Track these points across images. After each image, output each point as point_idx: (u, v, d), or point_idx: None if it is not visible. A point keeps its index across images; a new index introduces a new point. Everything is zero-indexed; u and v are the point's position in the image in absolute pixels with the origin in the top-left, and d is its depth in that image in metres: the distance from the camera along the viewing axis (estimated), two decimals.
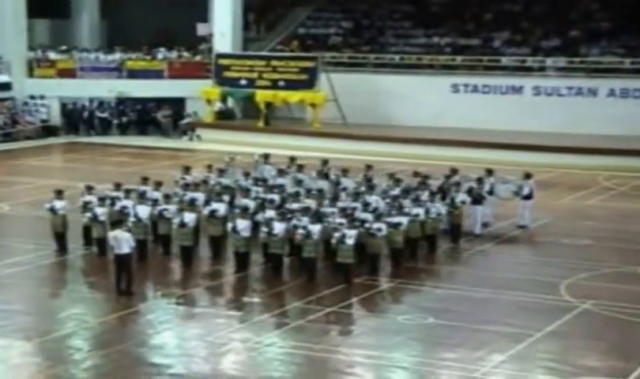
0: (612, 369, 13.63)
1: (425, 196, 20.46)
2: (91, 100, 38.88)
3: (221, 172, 23.01)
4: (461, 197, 21.03)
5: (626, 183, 28.63)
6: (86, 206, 19.74)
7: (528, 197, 21.97)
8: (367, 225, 18.15)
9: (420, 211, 19.54)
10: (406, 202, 19.90)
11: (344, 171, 22.83)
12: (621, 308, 16.30)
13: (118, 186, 20.71)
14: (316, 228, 17.99)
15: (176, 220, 19.00)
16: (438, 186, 21.76)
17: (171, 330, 15.36)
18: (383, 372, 13.66)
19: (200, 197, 20.48)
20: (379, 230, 18.10)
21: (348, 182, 22.10)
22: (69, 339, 14.89)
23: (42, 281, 18.51)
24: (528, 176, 22.21)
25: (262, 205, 19.90)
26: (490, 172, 22.32)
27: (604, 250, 20.61)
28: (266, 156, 24.54)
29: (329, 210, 19.21)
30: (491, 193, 21.82)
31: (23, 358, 14.02)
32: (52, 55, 39.98)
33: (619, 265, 19.19)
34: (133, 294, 16.84)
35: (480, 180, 21.90)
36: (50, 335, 14.88)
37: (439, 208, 20.32)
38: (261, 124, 36.76)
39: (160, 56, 40.16)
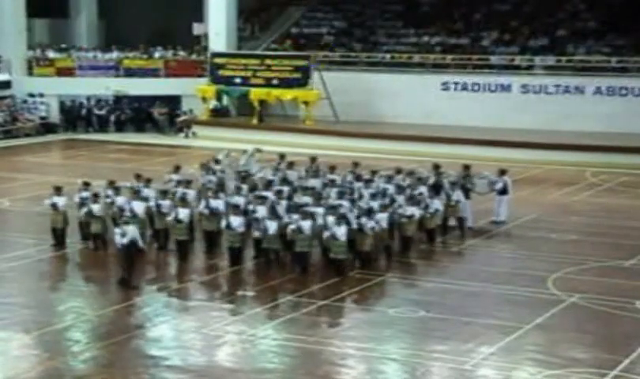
0: (599, 361, 13.79)
1: (422, 190, 20.59)
2: (88, 98, 39.09)
3: (208, 170, 23.25)
4: (457, 195, 21.28)
5: (613, 179, 28.79)
6: (83, 203, 20.02)
7: (503, 192, 22.31)
8: (357, 222, 18.37)
9: (415, 210, 19.74)
10: (400, 199, 20.14)
11: (332, 168, 23.10)
12: (607, 301, 16.52)
13: (111, 183, 20.90)
14: (307, 224, 18.27)
15: (171, 216, 19.31)
16: (433, 182, 21.98)
17: (167, 323, 15.51)
18: (375, 364, 13.80)
19: (191, 193, 20.71)
20: (372, 229, 18.37)
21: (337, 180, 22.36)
22: (67, 331, 15.04)
23: (41, 275, 18.72)
24: (503, 172, 22.49)
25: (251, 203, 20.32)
26: (467, 168, 22.73)
27: (590, 245, 20.83)
28: (259, 150, 24.92)
29: (320, 210, 19.42)
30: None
31: (22, 350, 14.16)
32: (51, 54, 40.15)
33: (605, 259, 19.40)
34: (133, 287, 17.09)
35: (467, 176, 22.31)
36: (49, 328, 15.05)
37: (438, 204, 20.54)
38: (255, 121, 37.05)
39: (156, 55, 40.43)
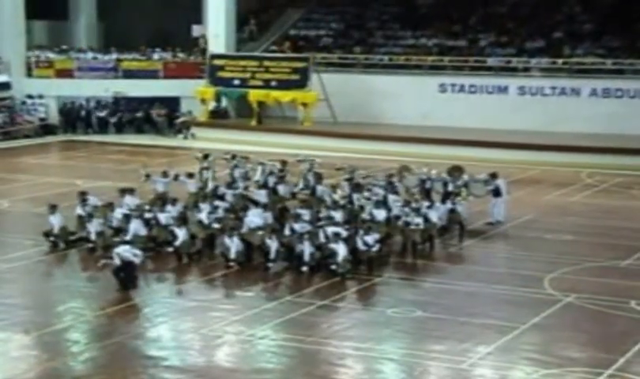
0: (594, 360, 13.89)
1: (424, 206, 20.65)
2: (88, 99, 39.18)
3: (190, 176, 23.46)
4: (460, 207, 21.46)
5: (608, 180, 28.89)
6: (82, 220, 20.18)
7: (497, 194, 22.49)
8: (359, 237, 18.51)
9: (420, 220, 19.83)
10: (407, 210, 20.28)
11: (319, 177, 23.32)
12: (603, 301, 16.63)
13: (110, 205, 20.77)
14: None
15: (180, 239, 19.20)
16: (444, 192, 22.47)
17: (166, 323, 15.60)
18: (372, 364, 13.88)
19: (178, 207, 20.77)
20: (373, 245, 18.46)
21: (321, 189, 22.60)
22: (66, 332, 15.12)
23: (40, 276, 18.83)
24: (494, 175, 22.78)
25: (246, 207, 20.61)
26: (459, 169, 23.05)
27: (586, 245, 20.97)
28: (233, 156, 25.26)
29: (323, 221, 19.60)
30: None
31: (22, 351, 14.24)
32: (50, 55, 40.28)
33: (601, 260, 19.51)
34: (136, 287, 17.17)
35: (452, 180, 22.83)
36: (49, 329, 15.12)
37: (440, 211, 20.68)
38: (253, 123, 37.19)
39: (155, 56, 40.57)
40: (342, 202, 21.36)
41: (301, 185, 23.31)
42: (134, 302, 16.69)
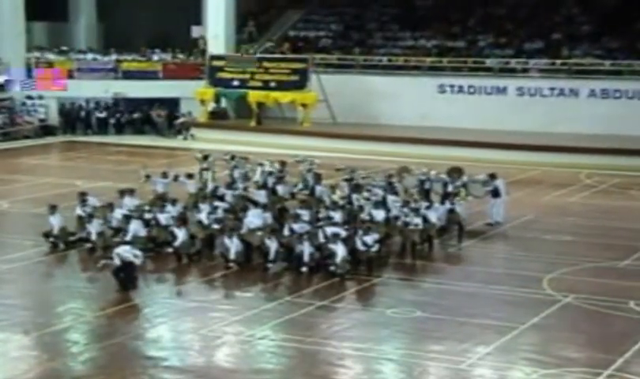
0: (592, 361, 13.94)
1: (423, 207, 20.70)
2: (87, 100, 39.23)
3: (190, 176, 23.51)
4: (459, 207, 21.50)
5: (607, 181, 28.96)
6: (82, 220, 20.22)
7: (496, 194, 22.57)
8: (359, 238, 18.54)
9: (419, 221, 19.86)
10: (405, 210, 20.31)
11: (318, 177, 23.37)
12: (601, 301, 16.67)
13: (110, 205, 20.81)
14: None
15: (179, 240, 19.21)
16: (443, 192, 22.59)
17: (166, 324, 15.62)
18: (372, 364, 13.92)
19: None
20: (372, 245, 18.49)
21: (320, 189, 22.63)
22: (66, 332, 15.14)
23: (40, 276, 18.85)
24: (493, 176, 22.84)
25: (246, 207, 20.65)
26: (459, 170, 23.15)
27: (585, 246, 21.01)
28: (233, 157, 25.34)
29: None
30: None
31: (21, 352, 14.26)
32: (50, 57, 40.32)
33: (599, 260, 19.55)
34: (136, 288, 17.19)
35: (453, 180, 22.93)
36: (48, 329, 15.14)
37: (439, 212, 20.73)
38: (253, 123, 37.26)
39: (155, 57, 40.64)
40: (341, 202, 21.41)
41: (300, 186, 23.37)
42: (134, 303, 16.72)
